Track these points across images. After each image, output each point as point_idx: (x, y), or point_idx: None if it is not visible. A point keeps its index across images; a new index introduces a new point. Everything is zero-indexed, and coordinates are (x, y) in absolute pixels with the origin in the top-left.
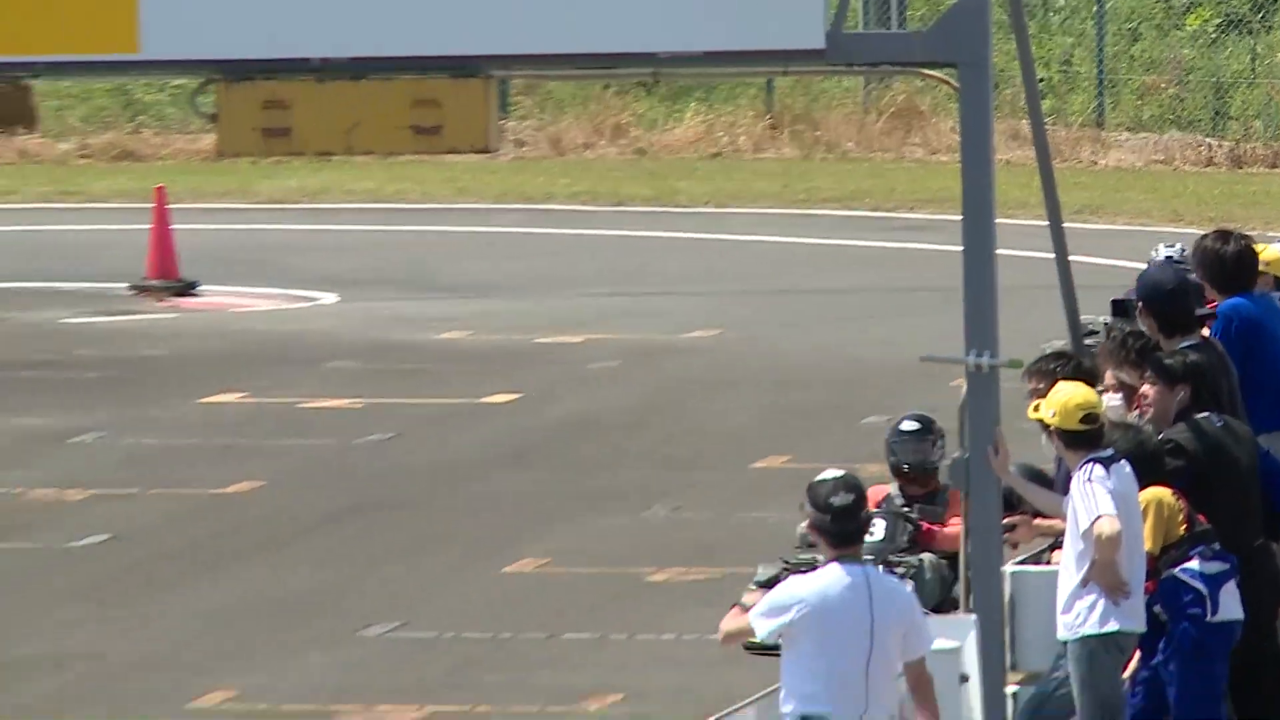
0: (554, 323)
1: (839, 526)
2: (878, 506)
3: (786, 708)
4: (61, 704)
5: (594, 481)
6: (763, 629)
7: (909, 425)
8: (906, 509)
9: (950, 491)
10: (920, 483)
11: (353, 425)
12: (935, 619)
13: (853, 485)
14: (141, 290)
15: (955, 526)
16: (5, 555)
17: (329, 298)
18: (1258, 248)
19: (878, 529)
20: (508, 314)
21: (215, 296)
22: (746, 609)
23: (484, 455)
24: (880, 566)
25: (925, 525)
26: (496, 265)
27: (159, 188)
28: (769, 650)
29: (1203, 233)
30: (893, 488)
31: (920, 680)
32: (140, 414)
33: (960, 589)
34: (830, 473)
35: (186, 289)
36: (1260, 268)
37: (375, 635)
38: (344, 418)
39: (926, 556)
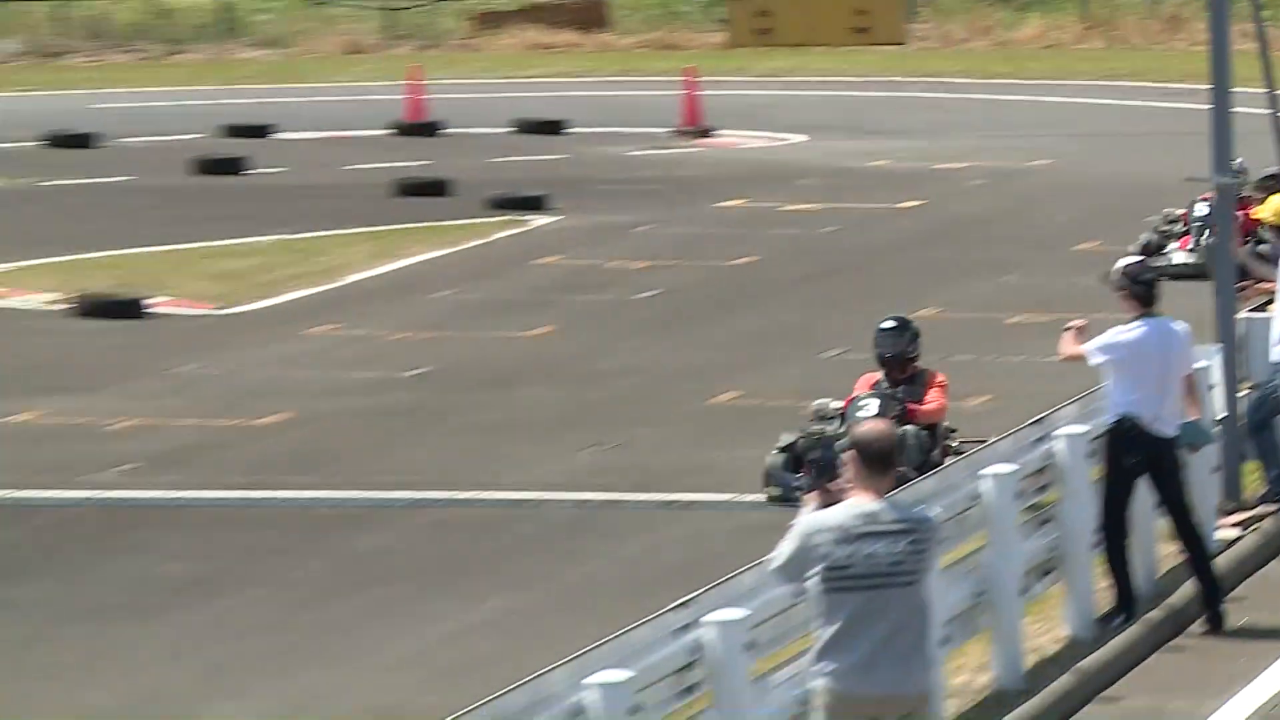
0: (944, 155)
1: (1143, 292)
2: (871, 389)
3: (1109, 412)
4: (622, 401)
5: (972, 257)
6: (1094, 360)
7: (887, 324)
8: (892, 391)
9: (927, 374)
10: (900, 369)
11: (814, 221)
12: (1200, 348)
13: (1150, 267)
14: (678, 133)
15: (931, 404)
16: (590, 304)
17: (799, 138)
18: None
19: (871, 406)
20: (914, 149)
21: (725, 137)
22: (1077, 334)
23: (900, 240)
24: None
25: (909, 404)
26: (906, 117)
27: (689, 67)
28: (787, 501)
29: None
30: (880, 374)
31: (1191, 385)
32: (678, 213)
33: (937, 458)
34: (1133, 258)
35: (707, 132)
36: None
37: (830, 356)
38: (808, 217)
39: (909, 428)
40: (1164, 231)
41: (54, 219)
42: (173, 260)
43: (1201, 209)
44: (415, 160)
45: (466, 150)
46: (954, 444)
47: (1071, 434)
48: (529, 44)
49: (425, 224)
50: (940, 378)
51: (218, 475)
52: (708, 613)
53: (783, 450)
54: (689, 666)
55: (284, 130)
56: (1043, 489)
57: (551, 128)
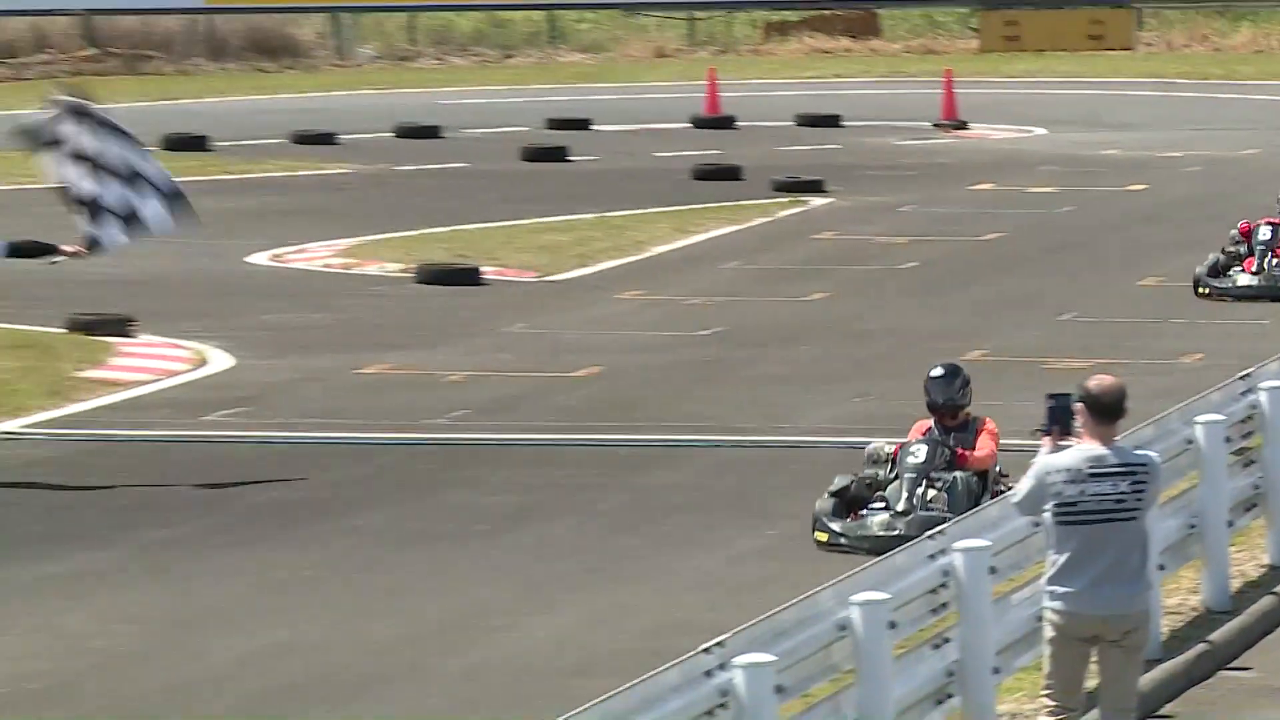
0: (1166, 145)
1: None
2: (924, 435)
3: None
4: (886, 357)
5: (1189, 233)
6: None
7: (938, 371)
8: (942, 439)
9: (978, 421)
10: (951, 416)
11: (1053, 202)
12: None
13: None
14: (937, 126)
15: (983, 450)
16: (860, 273)
17: (1041, 130)
18: None
19: (920, 453)
20: (1140, 140)
21: (977, 130)
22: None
23: (1127, 218)
24: (923, 483)
25: (959, 451)
26: (1133, 112)
27: (947, 69)
28: (834, 547)
29: None
30: (932, 421)
31: None
32: (936, 194)
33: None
34: None
35: (962, 125)
36: None
37: (1065, 319)
38: (1048, 198)
39: (959, 474)
40: (1231, 253)
41: (402, 199)
42: (503, 235)
43: (1265, 232)
44: (711, 149)
45: (755, 141)
46: (1005, 489)
47: (1273, 387)
48: (810, 49)
49: (719, 204)
50: (991, 425)
51: (537, 420)
52: (957, 541)
53: (834, 494)
54: (939, 588)
55: (600, 123)
56: (1247, 435)
57: (829, 121)
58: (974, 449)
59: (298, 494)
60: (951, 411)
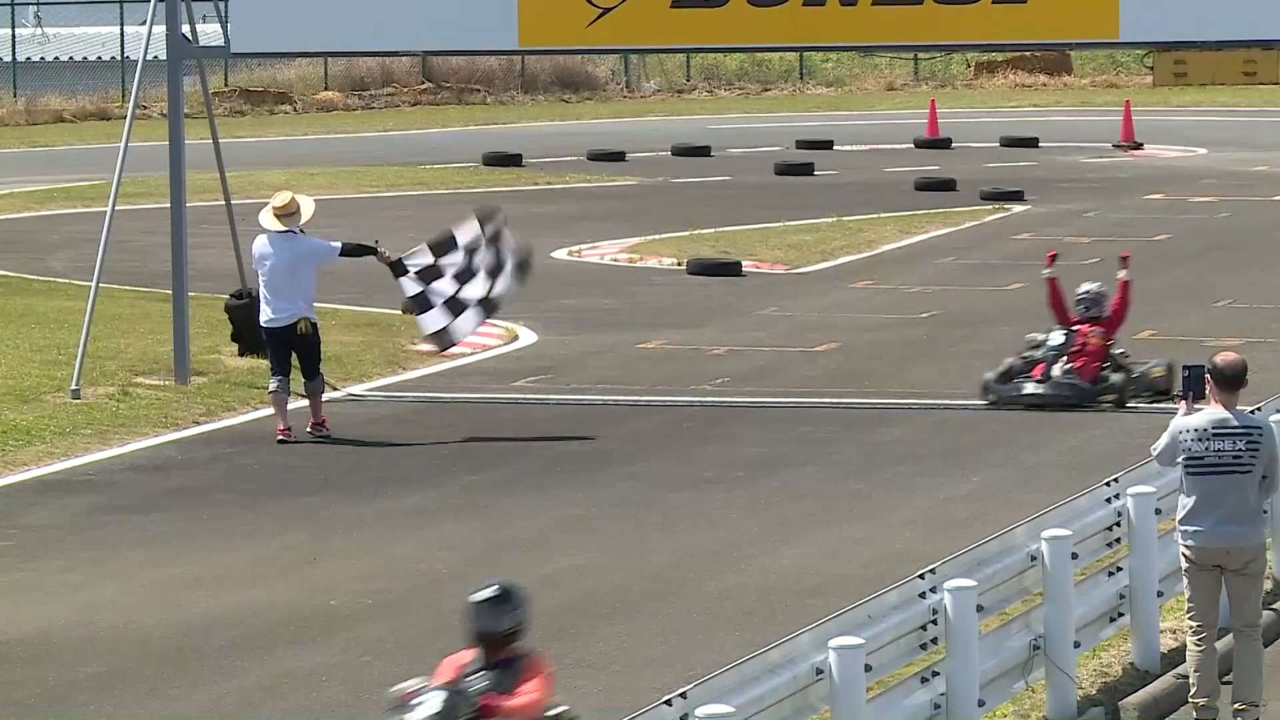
0: None
1: None
2: (458, 672)
3: None
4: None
5: None
6: None
7: (484, 594)
8: (477, 676)
9: (526, 660)
10: (495, 650)
11: (1213, 209)
12: None
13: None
14: (1116, 146)
15: (522, 698)
16: None
17: (1203, 150)
18: None
19: (432, 703)
20: None
21: (1150, 150)
22: None
23: (1276, 223)
24: None
25: (486, 700)
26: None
27: (1126, 100)
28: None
29: None
30: (473, 654)
31: None
32: (1115, 202)
33: None
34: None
35: (1136, 146)
36: None
37: (1220, 305)
38: (1208, 206)
39: None
40: (1026, 357)
41: (677, 206)
42: (759, 235)
43: (1057, 337)
44: (931, 165)
45: (967, 159)
46: None
47: None
48: (1013, 84)
49: (936, 210)
50: (545, 666)
51: (784, 386)
52: (1128, 489)
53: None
54: (1114, 526)
55: (840, 144)
56: None
57: (1028, 143)
58: (513, 694)
59: (589, 446)
60: (495, 645)
